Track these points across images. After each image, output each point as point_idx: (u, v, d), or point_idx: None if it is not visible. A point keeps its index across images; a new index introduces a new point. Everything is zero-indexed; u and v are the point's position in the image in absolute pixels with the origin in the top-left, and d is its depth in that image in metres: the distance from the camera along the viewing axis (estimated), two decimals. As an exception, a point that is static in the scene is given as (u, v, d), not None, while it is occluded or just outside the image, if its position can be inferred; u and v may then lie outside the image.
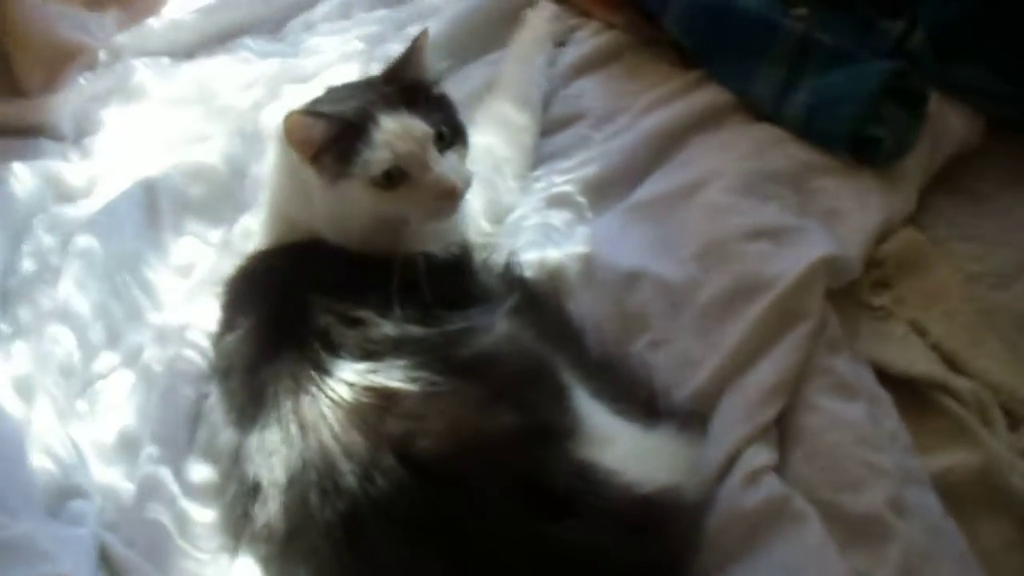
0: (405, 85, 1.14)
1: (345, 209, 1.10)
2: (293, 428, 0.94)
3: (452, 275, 1.13)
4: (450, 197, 1.09)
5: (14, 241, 1.41)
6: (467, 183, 1.12)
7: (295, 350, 0.99)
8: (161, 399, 1.19)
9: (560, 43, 1.50)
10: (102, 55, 1.73)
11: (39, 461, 1.10)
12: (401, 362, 0.96)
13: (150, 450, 1.13)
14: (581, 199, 1.28)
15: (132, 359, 1.27)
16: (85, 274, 1.32)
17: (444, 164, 1.10)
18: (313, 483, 0.91)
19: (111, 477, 1.13)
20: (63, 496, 1.08)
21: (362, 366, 0.96)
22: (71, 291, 1.29)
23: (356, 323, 1.01)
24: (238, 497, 1.01)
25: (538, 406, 0.95)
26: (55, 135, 1.63)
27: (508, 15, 1.53)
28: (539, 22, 1.50)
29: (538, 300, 1.15)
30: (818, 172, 1.25)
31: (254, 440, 0.98)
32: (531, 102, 1.40)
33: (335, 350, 0.98)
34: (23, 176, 1.49)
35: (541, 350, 1.03)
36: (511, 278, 1.18)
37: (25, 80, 1.67)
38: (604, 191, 1.29)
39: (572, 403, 0.98)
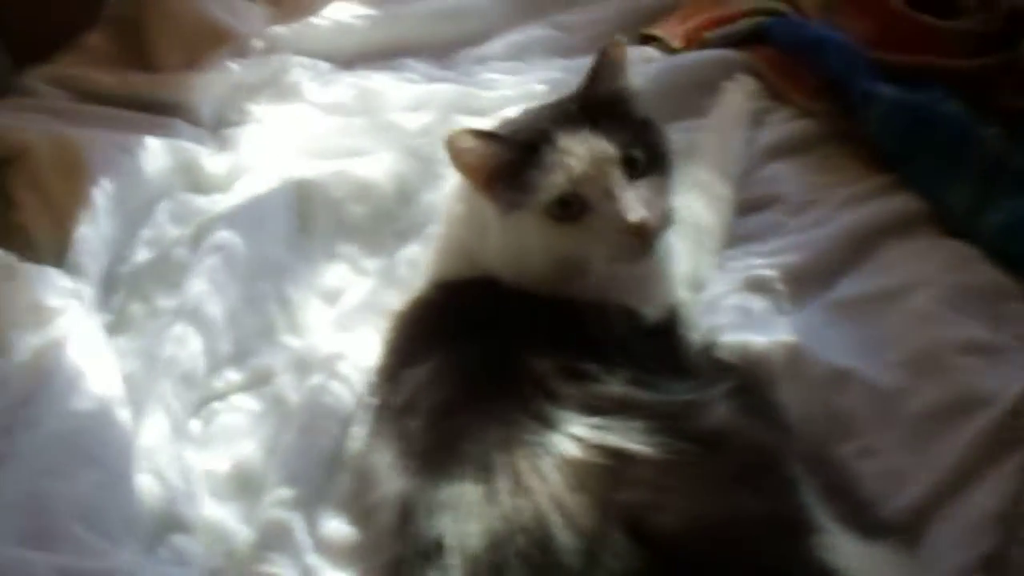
0: (595, 102, 1.03)
1: (521, 245, 1.00)
2: (501, 484, 0.80)
3: (661, 340, 1.04)
4: (637, 234, 0.95)
5: (131, 223, 1.31)
6: (663, 220, 1.00)
7: (507, 397, 0.88)
8: (299, 435, 1.07)
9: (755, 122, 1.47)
10: (256, 44, 1.66)
11: (144, 481, 1.00)
12: (634, 424, 0.84)
13: (281, 492, 1.01)
14: (780, 287, 1.23)
15: (258, 382, 1.17)
16: (223, 274, 1.22)
17: (632, 193, 0.96)
18: (518, 552, 0.77)
19: (222, 515, 1.02)
20: (166, 527, 0.98)
21: (593, 421, 0.84)
22: (205, 290, 1.20)
23: (579, 376, 0.90)
24: (407, 560, 0.84)
25: (777, 495, 0.85)
26: (192, 119, 1.54)
27: (704, 83, 1.49)
28: (739, 97, 1.47)
29: (747, 386, 1.05)
30: (1012, 297, 1.21)
31: (441, 493, 0.83)
32: (731, 176, 1.35)
33: (557, 401, 0.87)
34: (155, 153, 1.40)
35: (765, 437, 0.94)
36: (714, 358, 1.09)
37: (163, 56, 1.61)
38: (802, 283, 1.23)
39: (803, 498, 0.88)
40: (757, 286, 1.23)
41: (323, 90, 1.61)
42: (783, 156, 1.42)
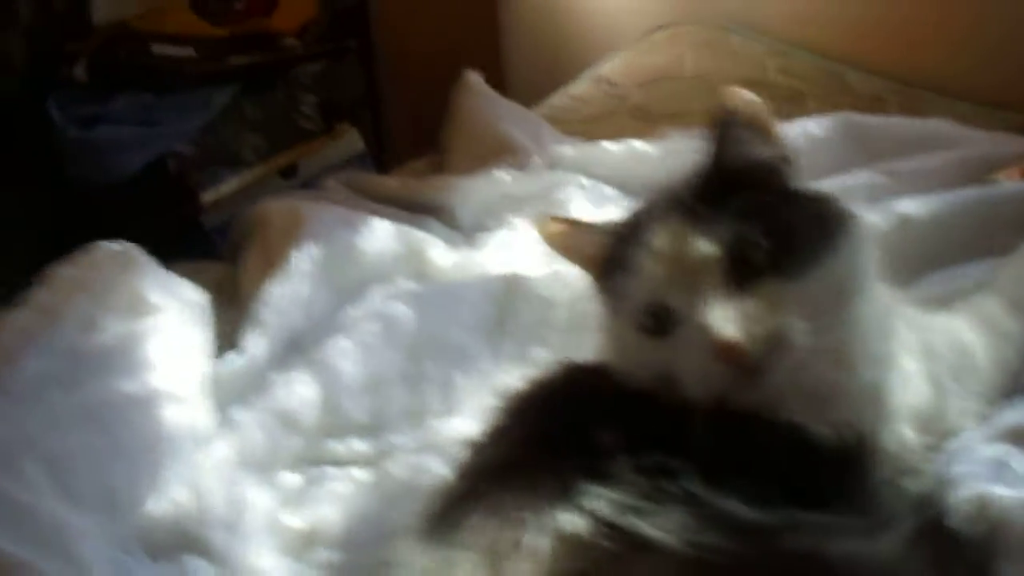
0: (717, 179, 0.80)
1: (618, 354, 0.83)
2: (468, 555, 0.69)
3: (830, 466, 0.76)
4: (727, 358, 0.72)
5: (339, 294, 1.29)
6: (776, 340, 0.74)
7: (544, 472, 0.73)
8: (379, 504, 0.99)
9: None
10: (535, 159, 1.60)
11: (178, 492, 0.97)
12: (682, 517, 0.66)
13: (330, 555, 0.94)
14: None
15: (383, 458, 1.07)
16: (377, 340, 1.17)
17: (728, 305, 0.74)
18: None
19: (269, 565, 0.93)
20: (181, 545, 0.93)
21: (623, 499, 0.68)
22: (345, 348, 1.15)
23: (655, 471, 0.70)
24: None
25: None
26: (449, 220, 1.52)
27: (1019, 220, 1.15)
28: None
29: (955, 545, 0.73)
30: None
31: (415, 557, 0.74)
32: None
33: (602, 480, 0.70)
34: (380, 234, 1.37)
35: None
36: (922, 505, 0.78)
37: (454, 167, 1.65)
38: None
39: None
40: (1022, 438, 0.86)
41: (593, 209, 1.47)
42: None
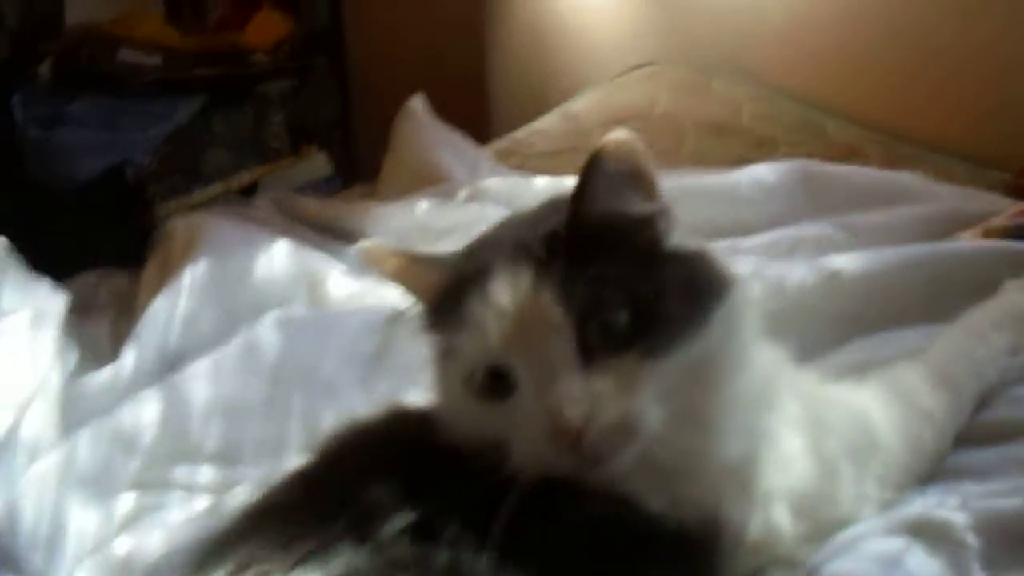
0: (578, 229, 0.67)
1: (446, 403, 0.72)
2: None
3: (669, 548, 0.64)
4: (563, 440, 0.62)
5: (229, 315, 1.22)
6: (623, 428, 0.63)
7: (306, 524, 0.63)
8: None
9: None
10: (463, 192, 1.52)
11: None
12: None
13: None
14: (971, 539, 0.72)
15: (228, 488, 0.99)
16: (236, 368, 1.09)
17: (578, 380, 0.63)
18: None
19: None
20: None
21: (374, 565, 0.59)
22: (200, 372, 1.08)
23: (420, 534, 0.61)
24: None
25: None
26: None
27: (981, 282, 1.00)
28: (1021, 297, 0.97)
29: None
30: None
31: None
32: (957, 388, 0.86)
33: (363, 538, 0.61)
34: (279, 254, 1.30)
35: None
36: None
37: (383, 191, 1.60)
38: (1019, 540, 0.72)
39: None
40: (925, 530, 0.73)
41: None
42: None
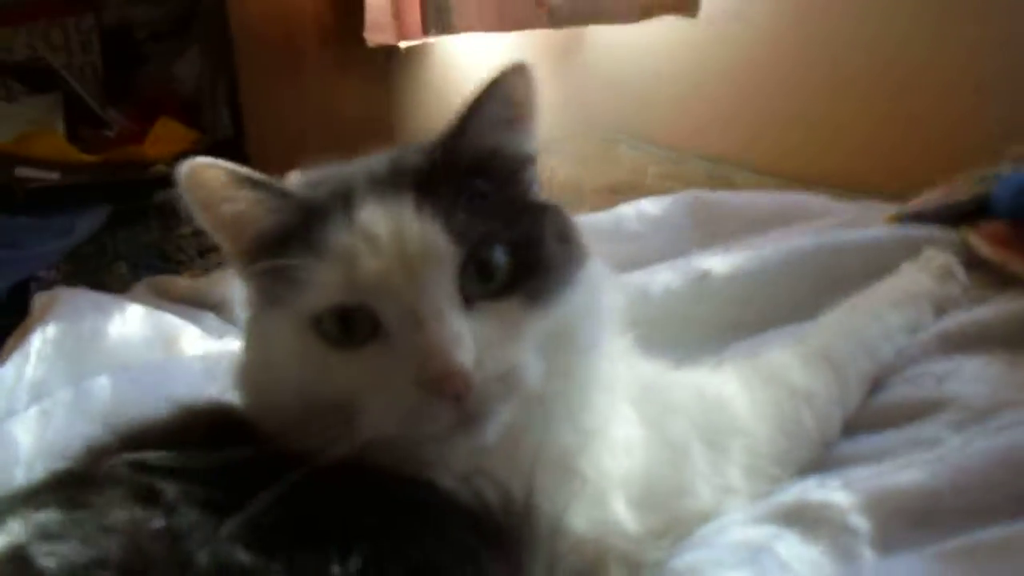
0: (454, 160, 0.60)
1: (266, 363, 0.61)
2: None
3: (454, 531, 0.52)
4: (444, 387, 0.53)
5: (77, 376, 1.11)
6: (512, 380, 0.56)
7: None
8: None
9: (942, 311, 0.85)
10: None
11: None
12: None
13: None
14: (859, 521, 0.60)
15: None
16: (65, 409, 1.00)
17: (458, 321, 0.56)
18: None
19: None
20: None
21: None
22: (31, 417, 0.99)
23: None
24: None
25: None
26: (227, 315, 1.36)
27: (878, 268, 0.90)
28: (920, 277, 0.87)
29: None
30: None
31: None
32: (840, 367, 0.76)
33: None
34: (132, 318, 1.24)
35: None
36: None
37: None
38: (923, 519, 0.60)
39: None
40: (799, 517, 0.62)
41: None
42: (971, 348, 0.78)
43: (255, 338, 0.62)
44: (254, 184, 0.60)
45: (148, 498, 0.49)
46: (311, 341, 0.57)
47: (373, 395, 0.56)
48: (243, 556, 0.46)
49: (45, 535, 0.47)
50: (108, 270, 2.18)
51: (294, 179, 0.66)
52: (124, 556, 0.45)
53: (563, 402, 0.60)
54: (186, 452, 0.54)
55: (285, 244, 0.59)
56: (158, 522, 0.47)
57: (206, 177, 0.60)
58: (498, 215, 0.59)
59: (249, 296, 0.63)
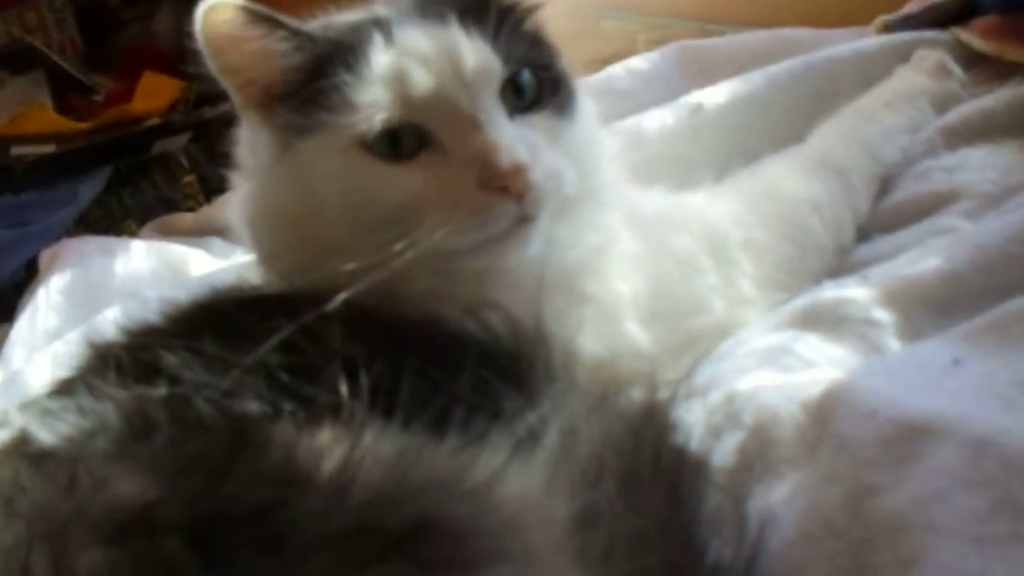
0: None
1: (304, 193, 0.61)
2: None
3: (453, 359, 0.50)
4: (507, 181, 0.57)
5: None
6: (555, 183, 0.59)
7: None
8: None
9: (943, 108, 0.81)
10: None
11: None
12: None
13: None
14: (882, 314, 0.58)
15: None
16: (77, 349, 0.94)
17: (509, 130, 0.59)
18: None
19: None
20: None
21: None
22: (42, 361, 0.98)
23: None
24: None
25: None
26: (229, 237, 1.31)
27: (871, 79, 0.87)
28: (915, 76, 0.84)
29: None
30: None
31: None
32: (844, 175, 0.74)
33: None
34: (137, 254, 1.22)
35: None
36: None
37: None
38: (946, 305, 0.58)
39: None
40: (824, 317, 0.59)
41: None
42: (978, 138, 0.75)
43: (275, 178, 0.63)
44: (276, 23, 0.61)
45: (149, 371, 0.48)
46: (362, 160, 0.59)
47: (434, 203, 0.58)
48: (252, 405, 0.44)
49: (45, 415, 0.46)
50: (119, 229, 2.15)
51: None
52: (124, 422, 0.44)
53: (586, 209, 0.63)
54: (189, 328, 0.53)
55: (319, 74, 0.60)
56: (160, 390, 0.46)
57: (226, 17, 0.60)
58: (523, 42, 0.64)
59: (267, 140, 0.62)
